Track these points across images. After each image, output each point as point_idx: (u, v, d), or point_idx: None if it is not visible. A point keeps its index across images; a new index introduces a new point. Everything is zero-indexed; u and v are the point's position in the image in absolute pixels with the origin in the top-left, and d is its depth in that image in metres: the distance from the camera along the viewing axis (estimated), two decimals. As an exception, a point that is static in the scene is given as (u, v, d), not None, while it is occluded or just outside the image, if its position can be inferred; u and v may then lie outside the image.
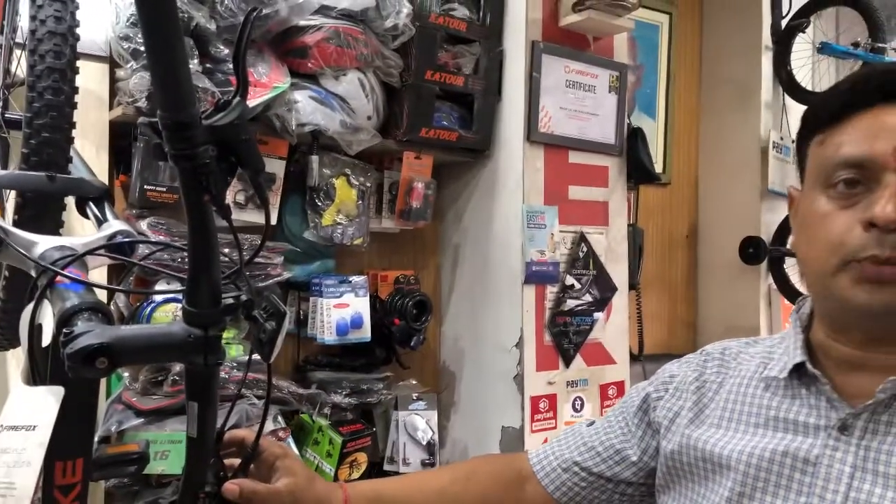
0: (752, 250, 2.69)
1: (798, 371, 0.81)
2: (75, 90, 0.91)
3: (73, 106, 0.91)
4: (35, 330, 0.71)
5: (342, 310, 1.81)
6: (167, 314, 1.54)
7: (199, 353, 0.64)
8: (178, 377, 1.52)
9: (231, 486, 0.82)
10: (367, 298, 1.87)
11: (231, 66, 1.52)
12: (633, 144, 2.15)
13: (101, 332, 0.62)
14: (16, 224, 0.83)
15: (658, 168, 2.67)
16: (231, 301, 0.66)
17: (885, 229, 0.71)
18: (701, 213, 2.97)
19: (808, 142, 0.82)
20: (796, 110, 2.76)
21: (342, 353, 1.94)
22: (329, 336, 1.79)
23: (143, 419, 1.52)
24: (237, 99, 0.60)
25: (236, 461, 0.87)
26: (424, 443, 1.96)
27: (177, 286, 1.55)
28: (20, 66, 1.29)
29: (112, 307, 1.53)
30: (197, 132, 0.57)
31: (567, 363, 2.00)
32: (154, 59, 0.56)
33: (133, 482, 1.53)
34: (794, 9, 2.75)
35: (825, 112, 0.79)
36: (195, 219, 0.61)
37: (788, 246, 2.63)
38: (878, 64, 2.42)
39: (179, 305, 1.58)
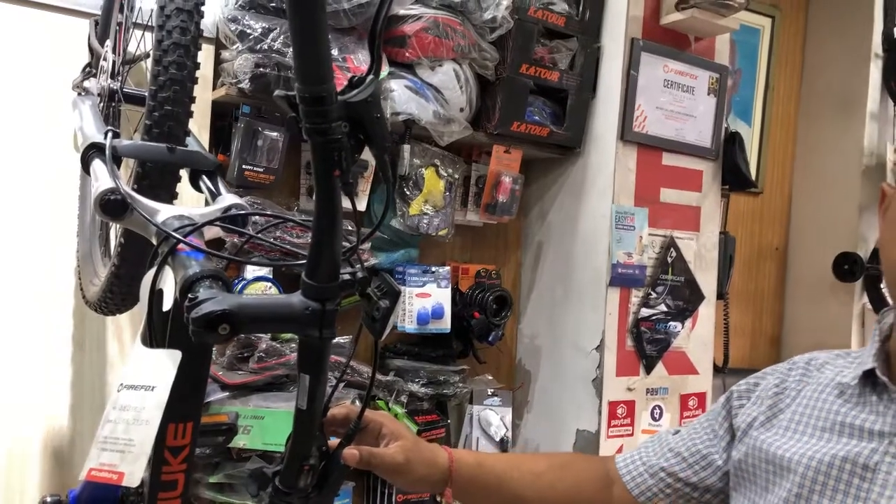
0: (847, 267, 2.57)
1: (872, 379, 0.81)
2: (197, 66, 0.93)
3: (195, 81, 0.93)
4: (156, 295, 0.73)
5: (424, 299, 1.81)
6: (257, 292, 1.58)
7: (315, 325, 0.65)
8: (263, 354, 1.55)
9: (351, 452, 0.85)
10: (449, 290, 1.87)
11: (337, 53, 1.55)
12: (730, 149, 2.08)
13: (223, 299, 0.63)
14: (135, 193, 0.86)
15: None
16: (348, 277, 0.66)
17: None
18: (793, 225, 2.85)
19: None
20: (905, 123, 2.63)
21: (420, 342, 1.95)
22: (410, 325, 1.80)
23: (227, 393, 1.56)
24: (370, 77, 0.61)
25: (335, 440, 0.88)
26: (497, 439, 1.95)
27: (269, 266, 1.58)
28: (139, 44, 1.34)
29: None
30: (333, 107, 0.58)
31: (648, 370, 1.96)
32: (297, 32, 0.56)
33: (215, 454, 1.57)
34: (908, 16, 2.62)
35: None
36: (323, 193, 0.61)
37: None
38: None
39: (269, 284, 1.62)
